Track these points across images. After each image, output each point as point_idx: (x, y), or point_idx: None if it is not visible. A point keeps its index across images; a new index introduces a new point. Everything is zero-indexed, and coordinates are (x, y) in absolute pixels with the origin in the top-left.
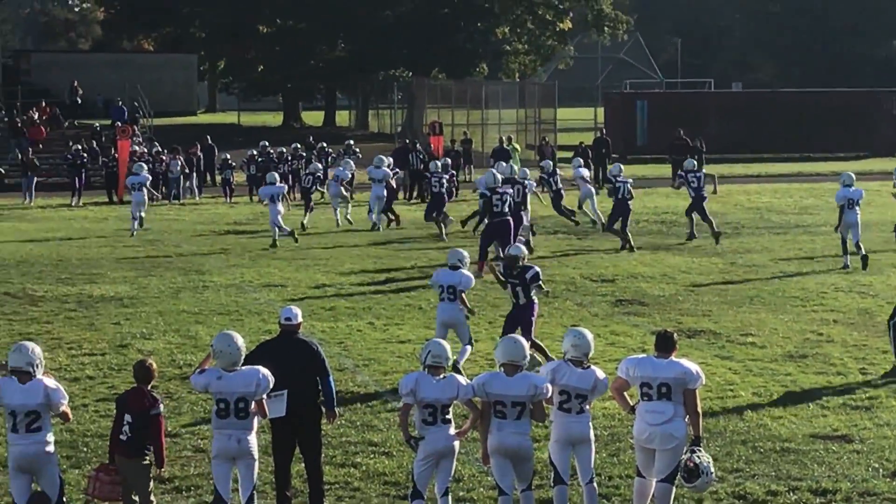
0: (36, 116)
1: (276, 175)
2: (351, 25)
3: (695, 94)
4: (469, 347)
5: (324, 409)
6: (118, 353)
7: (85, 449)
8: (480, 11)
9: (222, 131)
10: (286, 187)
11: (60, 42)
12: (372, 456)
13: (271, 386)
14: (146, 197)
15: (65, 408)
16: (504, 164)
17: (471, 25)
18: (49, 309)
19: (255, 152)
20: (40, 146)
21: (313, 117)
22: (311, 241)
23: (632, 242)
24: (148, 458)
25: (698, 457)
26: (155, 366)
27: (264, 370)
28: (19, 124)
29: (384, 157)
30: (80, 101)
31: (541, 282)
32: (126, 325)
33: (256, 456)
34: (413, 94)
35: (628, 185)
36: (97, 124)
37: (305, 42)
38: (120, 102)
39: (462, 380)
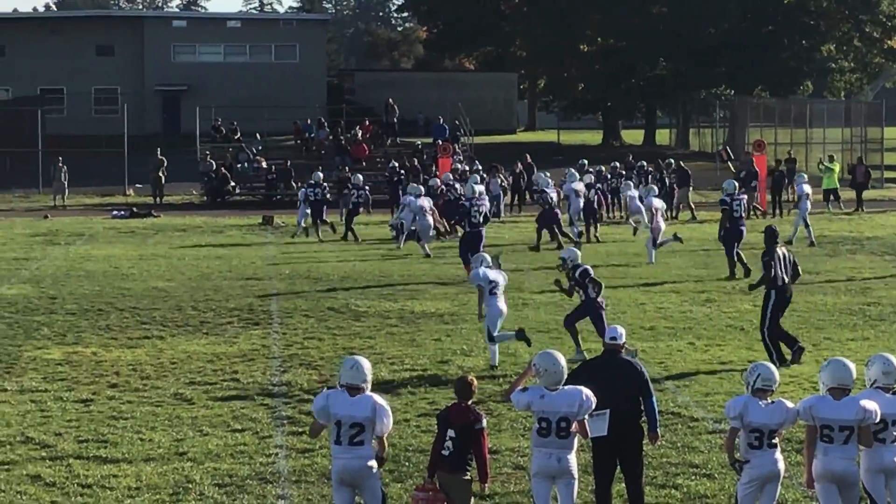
0: (359, 134)
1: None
2: (672, 44)
3: None
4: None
5: (646, 430)
6: (439, 368)
7: (407, 463)
8: (805, 28)
9: (542, 150)
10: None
11: (383, 61)
12: (693, 478)
13: (594, 406)
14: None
15: (386, 432)
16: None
17: (795, 43)
18: (372, 324)
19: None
20: (363, 164)
21: (633, 136)
22: (626, 257)
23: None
24: (469, 473)
25: None
26: (476, 382)
27: (587, 391)
28: (343, 142)
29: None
30: (395, 120)
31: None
32: (446, 342)
33: (576, 475)
34: (735, 112)
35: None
36: (419, 142)
37: (626, 60)
38: (441, 120)
39: (789, 404)
